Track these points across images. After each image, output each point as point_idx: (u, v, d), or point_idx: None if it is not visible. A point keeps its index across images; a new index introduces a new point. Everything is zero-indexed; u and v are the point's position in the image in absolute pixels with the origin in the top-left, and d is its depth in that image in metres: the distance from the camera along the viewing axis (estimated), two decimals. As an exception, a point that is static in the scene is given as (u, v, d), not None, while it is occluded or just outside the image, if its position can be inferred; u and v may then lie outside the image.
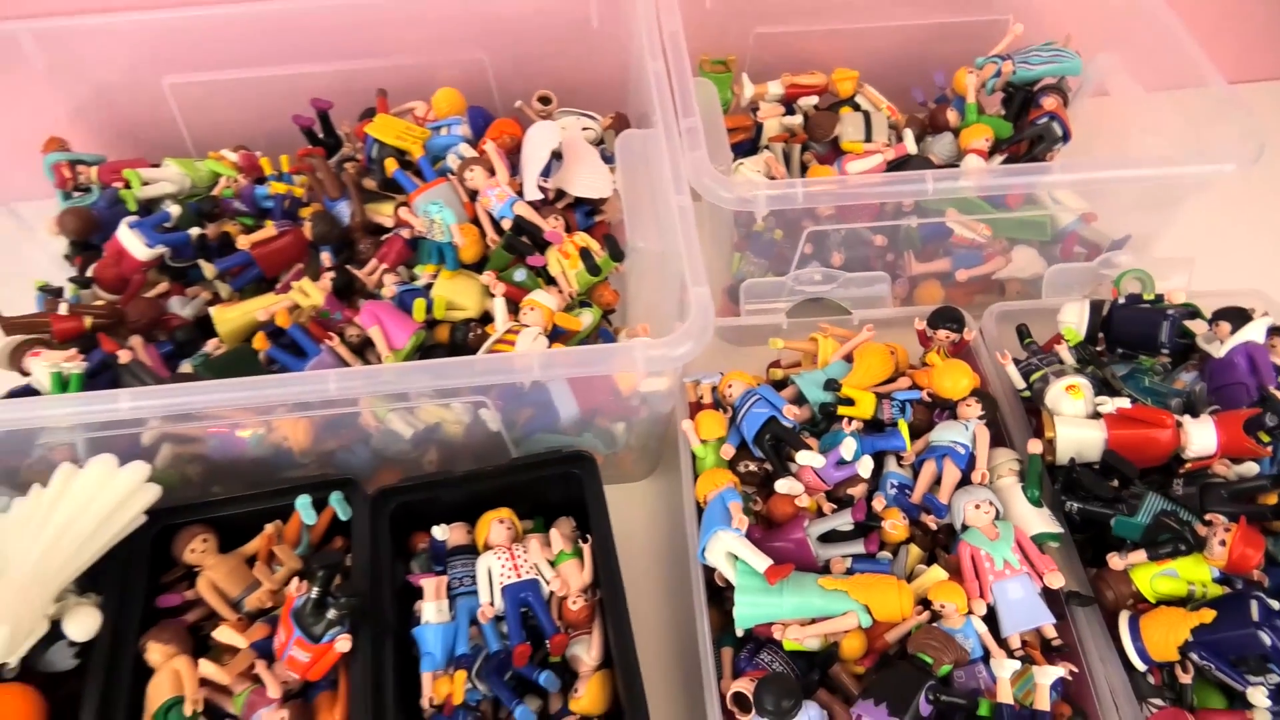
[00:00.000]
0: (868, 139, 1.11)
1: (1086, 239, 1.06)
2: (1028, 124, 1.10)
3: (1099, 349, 0.94)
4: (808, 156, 1.13)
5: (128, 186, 1.07)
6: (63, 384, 0.87)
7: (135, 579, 0.80)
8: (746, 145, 1.15)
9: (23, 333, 0.92)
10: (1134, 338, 0.92)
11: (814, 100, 1.15)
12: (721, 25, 1.13)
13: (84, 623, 0.75)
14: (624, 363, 0.76)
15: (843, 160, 1.10)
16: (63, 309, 0.93)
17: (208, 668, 0.75)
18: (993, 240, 1.06)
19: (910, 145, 1.10)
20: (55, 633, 0.75)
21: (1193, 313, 0.91)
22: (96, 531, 0.76)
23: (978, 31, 1.17)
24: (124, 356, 0.90)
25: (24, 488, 0.84)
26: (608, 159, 1.08)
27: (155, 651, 0.76)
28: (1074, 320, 0.93)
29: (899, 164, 1.09)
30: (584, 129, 1.10)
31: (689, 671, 0.86)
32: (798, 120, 1.13)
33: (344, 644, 0.74)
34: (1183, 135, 0.98)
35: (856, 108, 1.15)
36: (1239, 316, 0.89)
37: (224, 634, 0.76)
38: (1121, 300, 0.93)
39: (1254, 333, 0.86)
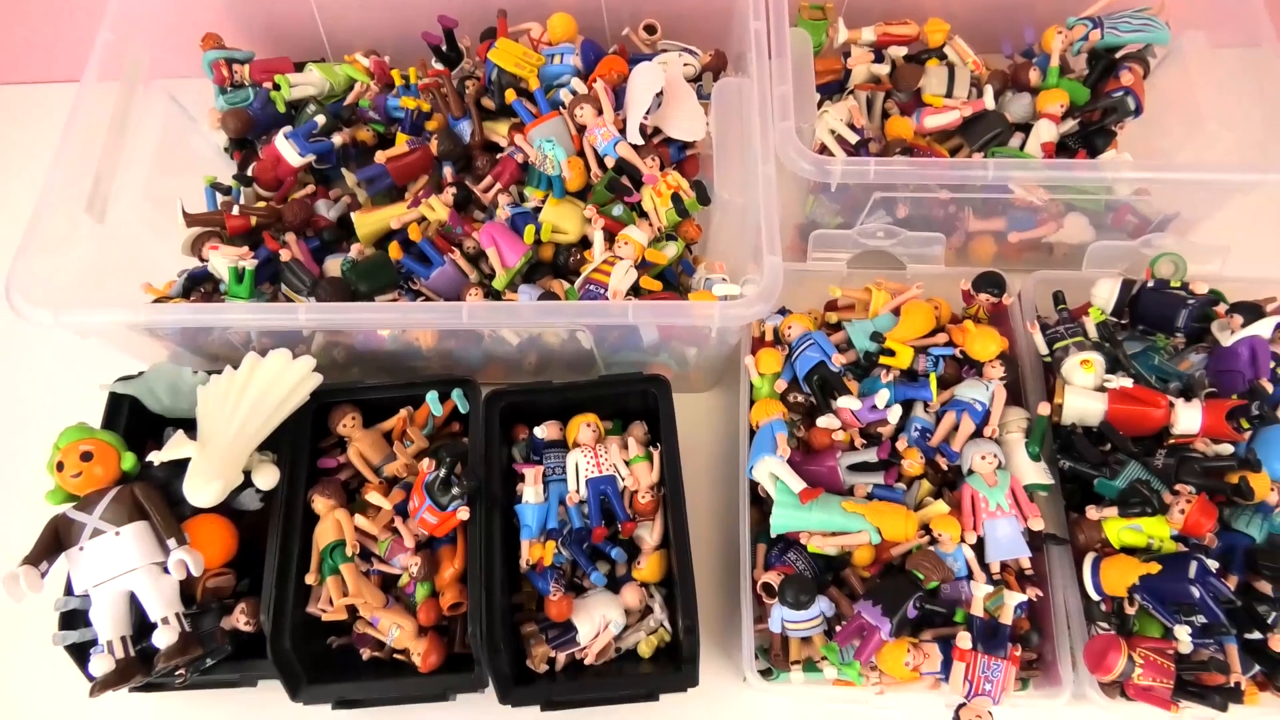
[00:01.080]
0: (949, 93, 1.18)
1: (1138, 210, 1.14)
2: (1104, 94, 1.15)
3: (1122, 321, 1.05)
4: (889, 105, 1.21)
5: (277, 88, 1.21)
6: (239, 276, 1.06)
7: (301, 444, 1.01)
8: (834, 86, 1.23)
9: (201, 226, 1.10)
10: (1155, 319, 1.03)
11: (903, 50, 1.21)
12: (823, -31, 1.18)
13: (268, 476, 0.97)
14: (705, 320, 0.91)
15: (922, 112, 1.18)
16: (235, 210, 1.10)
17: (361, 520, 0.97)
18: (1049, 203, 1.15)
19: (989, 101, 1.17)
20: (244, 483, 0.98)
21: (1214, 300, 1.02)
22: (276, 409, 0.97)
23: (1074, -12, 1.20)
24: (284, 255, 1.08)
25: (205, 353, 1.06)
26: (703, 96, 1.18)
27: (319, 503, 0.99)
28: (1105, 295, 1.04)
29: (975, 118, 1.17)
30: (684, 65, 1.19)
31: (729, 558, 1.06)
32: (885, 69, 1.20)
33: (464, 514, 0.95)
34: (1252, 133, 1.04)
35: (943, 58, 1.22)
36: (1254, 312, 0.99)
37: (372, 497, 0.98)
38: (1151, 283, 1.03)
39: (1262, 328, 0.97)
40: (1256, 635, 0.89)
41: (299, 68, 1.24)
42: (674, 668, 0.96)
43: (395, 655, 0.98)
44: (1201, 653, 0.89)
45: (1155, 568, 0.88)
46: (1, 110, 1.43)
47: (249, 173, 1.16)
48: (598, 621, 0.96)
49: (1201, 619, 0.87)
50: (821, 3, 1.21)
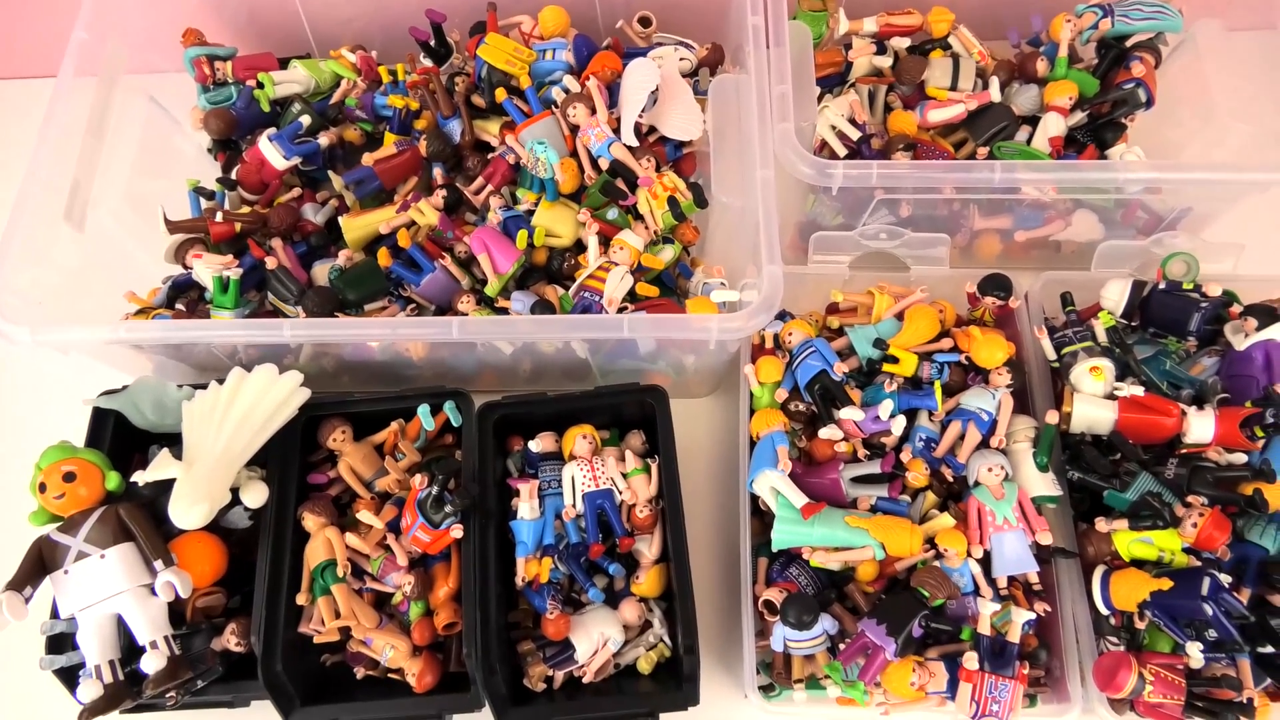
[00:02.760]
0: (953, 86, 1.14)
1: (1149, 207, 1.11)
2: (1114, 85, 1.12)
3: (1132, 324, 1.02)
4: (892, 98, 1.18)
5: (260, 86, 1.17)
6: (224, 286, 1.03)
7: (290, 459, 0.99)
8: (835, 79, 1.19)
9: (184, 233, 1.07)
10: (1166, 322, 1.00)
11: (906, 41, 1.17)
12: (823, -43, 1.14)
13: (256, 493, 0.95)
14: (703, 332, 0.88)
15: (925, 105, 1.14)
16: (219, 216, 1.07)
17: (352, 539, 0.95)
18: (1057, 200, 1.11)
19: (995, 93, 1.14)
20: (232, 500, 0.96)
21: (1228, 301, 0.99)
22: (264, 425, 0.94)
23: (1083, -25, 1.15)
24: (270, 263, 1.05)
25: (191, 364, 1.03)
26: (700, 93, 1.14)
27: (310, 520, 0.97)
28: (1115, 298, 1.01)
29: (981, 111, 1.14)
30: (680, 59, 1.15)
31: (730, 572, 1.04)
32: (887, 61, 1.16)
33: (457, 531, 0.93)
34: (1267, 125, 1.00)
35: (948, 49, 1.18)
36: (1268, 315, 0.96)
37: (364, 515, 0.96)
38: (1162, 285, 1.00)
39: (1277, 332, 0.94)
40: (1269, 649, 0.87)
41: (283, 64, 1.21)
42: (674, 685, 0.94)
43: (390, 674, 0.97)
44: (1213, 668, 0.87)
45: (1167, 584, 0.85)
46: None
47: (233, 176, 1.12)
48: (596, 639, 0.94)
49: (1213, 635, 0.85)
50: (821, -7, 1.17)
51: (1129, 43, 1.14)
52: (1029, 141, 1.13)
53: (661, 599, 1.00)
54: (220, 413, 0.93)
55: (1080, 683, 0.89)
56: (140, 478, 0.91)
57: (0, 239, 0.93)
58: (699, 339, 0.91)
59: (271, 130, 1.11)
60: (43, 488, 0.90)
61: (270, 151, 1.09)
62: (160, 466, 0.91)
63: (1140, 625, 0.89)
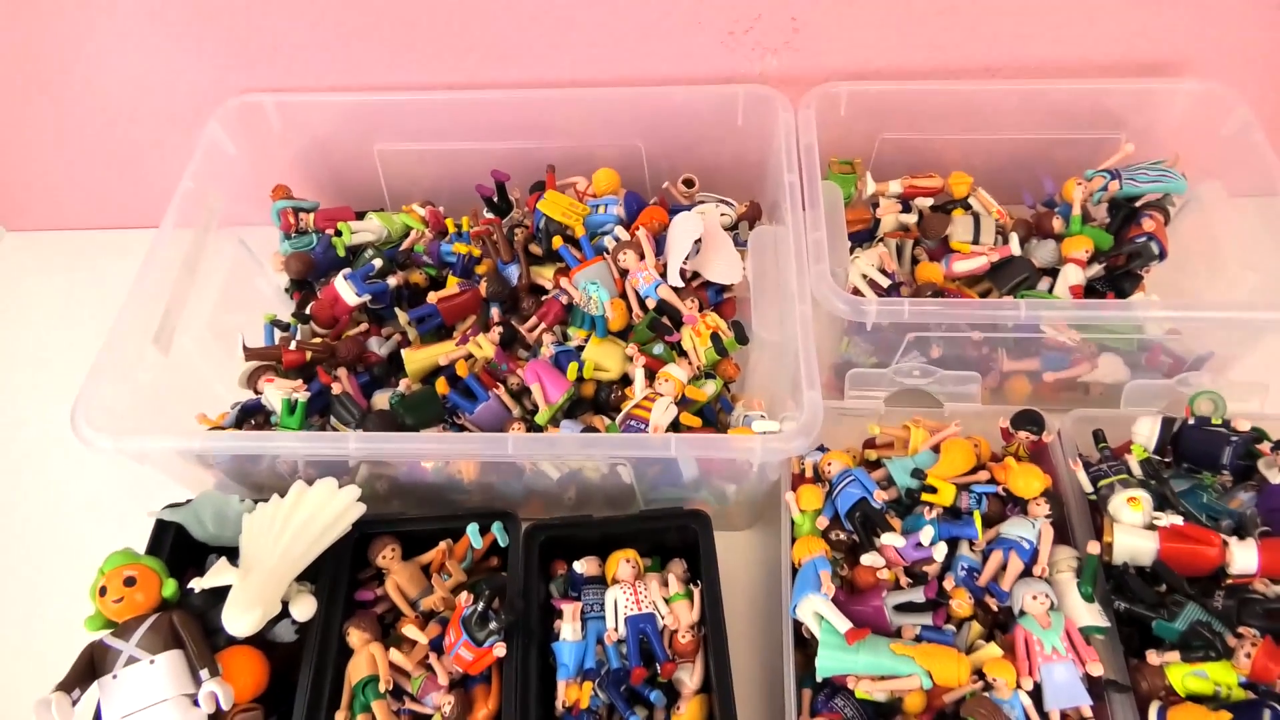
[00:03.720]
0: (975, 240, 1.23)
1: (1171, 350, 1.16)
2: (1128, 239, 1.20)
3: (1166, 460, 1.04)
4: (918, 252, 1.26)
5: (339, 234, 1.29)
6: (290, 408, 1.09)
7: (340, 575, 1.01)
8: (864, 234, 1.29)
9: (259, 360, 1.15)
10: (1199, 456, 1.02)
11: (929, 201, 1.27)
12: (851, 129, 1.26)
13: (305, 606, 0.97)
14: (748, 453, 0.92)
15: (950, 258, 1.23)
16: (291, 345, 1.15)
17: (396, 656, 0.96)
18: (1082, 345, 1.17)
19: (1015, 247, 1.22)
20: (281, 613, 0.98)
21: (1258, 437, 1.01)
22: (320, 536, 0.97)
23: (1091, 146, 1.26)
24: (335, 389, 1.12)
25: (252, 484, 1.08)
26: (739, 243, 1.23)
27: (355, 636, 0.98)
28: (1145, 433, 1.04)
29: (1003, 264, 1.22)
30: (721, 214, 1.26)
31: (774, 704, 1.02)
32: (912, 218, 1.26)
33: (500, 650, 0.93)
34: (1276, 273, 1.07)
35: (968, 208, 1.27)
36: (1300, 449, 0.98)
37: (409, 630, 0.96)
38: (1192, 421, 1.03)
39: (1309, 464, 0.96)
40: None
41: (359, 216, 1.33)
42: (716, 822, 0.90)
43: (424, 803, 0.94)
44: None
45: (1227, 717, 0.83)
46: (87, 251, 1.53)
47: (307, 311, 1.22)
48: (635, 769, 0.92)
49: (1281, 777, 0.81)
50: (850, 159, 1.28)
51: (1139, 203, 1.23)
52: (1050, 291, 1.20)
53: (702, 733, 0.98)
54: (280, 522, 0.96)
55: (1145, 828, 0.85)
56: (198, 584, 0.94)
57: (96, 357, 1.01)
58: (741, 460, 0.94)
59: (346, 270, 1.21)
60: (103, 591, 0.93)
61: (344, 288, 1.18)
62: (217, 573, 0.94)
63: (1203, 767, 0.86)
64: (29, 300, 1.50)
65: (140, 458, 0.99)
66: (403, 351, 1.17)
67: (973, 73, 1.26)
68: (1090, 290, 1.20)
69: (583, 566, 1.02)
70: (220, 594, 0.93)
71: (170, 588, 0.95)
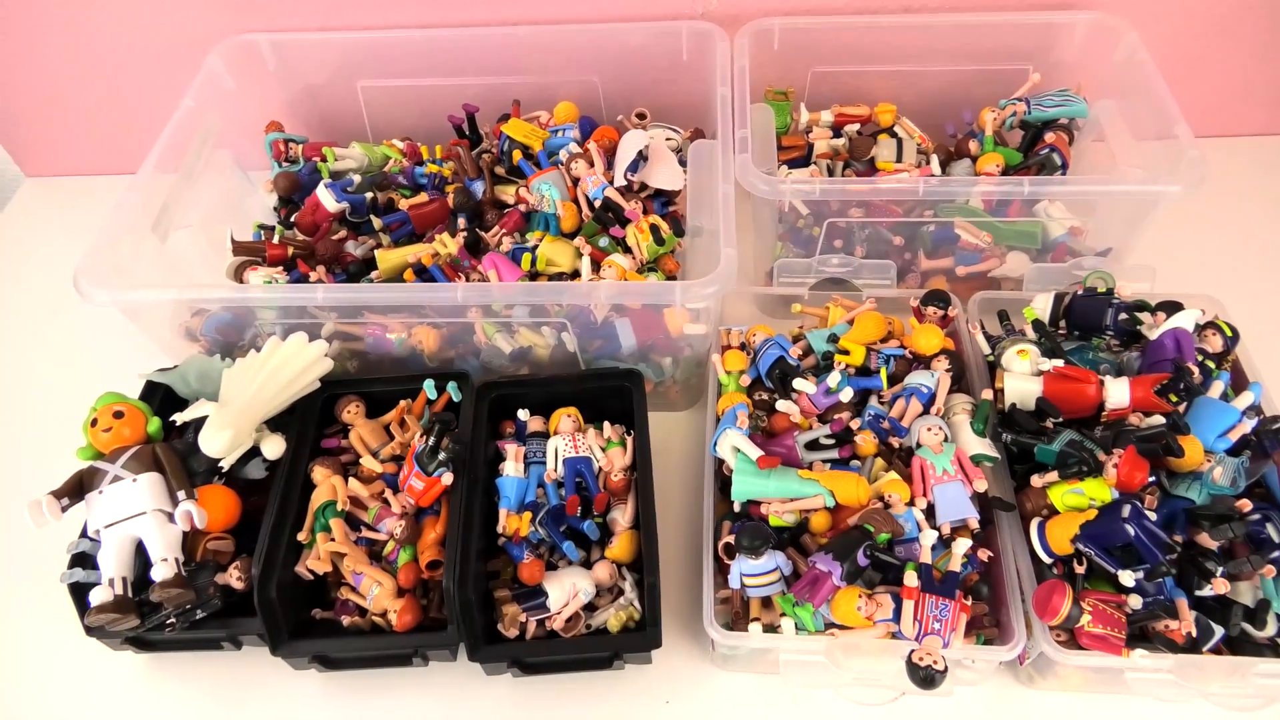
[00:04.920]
0: (898, 160, 1.35)
1: (1074, 249, 1.27)
2: (1033, 155, 1.32)
3: (1059, 331, 1.15)
4: (847, 173, 1.38)
5: (325, 160, 1.42)
6: (271, 291, 1.21)
7: (308, 424, 1.12)
8: (799, 161, 1.41)
9: (246, 254, 1.27)
10: (1086, 322, 1.12)
11: (857, 127, 1.40)
12: (786, 63, 1.40)
13: (275, 446, 1.07)
14: (669, 296, 1.03)
15: (875, 177, 1.35)
16: (274, 240, 1.28)
17: (355, 485, 1.06)
18: (993, 246, 1.28)
19: (935, 168, 1.34)
20: (252, 453, 1.08)
21: (1140, 305, 1.11)
22: (289, 383, 1.09)
23: (1004, 78, 1.39)
24: (313, 277, 1.24)
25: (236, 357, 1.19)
26: (684, 163, 1.36)
27: (318, 472, 1.08)
28: (1040, 307, 1.14)
29: (924, 181, 1.34)
30: (668, 139, 1.39)
31: (695, 539, 1.11)
32: (842, 142, 1.39)
33: (448, 479, 1.03)
34: (1158, 169, 1.18)
35: (894, 135, 1.40)
36: (1174, 307, 1.08)
37: (366, 461, 1.07)
38: (1081, 293, 1.14)
39: (1183, 320, 1.06)
40: (1209, 592, 0.91)
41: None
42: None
43: (374, 623, 1.03)
44: (1156, 621, 0.91)
45: (1092, 514, 0.92)
46: (102, 196, 1.66)
47: (291, 220, 1.34)
48: (568, 589, 1.01)
49: (1144, 567, 0.90)
50: (784, 88, 1.42)
51: (1047, 126, 1.35)
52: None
53: (634, 570, 1.07)
54: (255, 367, 1.08)
55: (1025, 623, 0.93)
56: (179, 417, 1.05)
57: (97, 231, 1.13)
58: (661, 302, 1.05)
59: (328, 180, 1.34)
60: (94, 423, 1.04)
61: (325, 196, 1.31)
62: (197, 408, 1.06)
63: (1079, 570, 0.94)
64: (48, 242, 1.63)
65: (133, 312, 1.11)
66: (376, 251, 1.30)
67: (893, 11, 1.39)
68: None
69: (526, 416, 1.13)
70: (199, 438, 1.04)
71: (155, 425, 1.06)
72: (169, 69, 1.47)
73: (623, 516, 1.07)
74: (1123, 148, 1.25)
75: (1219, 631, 0.92)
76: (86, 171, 1.69)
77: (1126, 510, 0.90)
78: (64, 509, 0.98)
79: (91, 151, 1.65)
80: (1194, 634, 0.89)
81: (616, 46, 1.41)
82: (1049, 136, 1.31)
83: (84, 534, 1.03)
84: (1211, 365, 1.05)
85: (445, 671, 1.04)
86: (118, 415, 1.04)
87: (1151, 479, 0.95)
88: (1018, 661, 0.97)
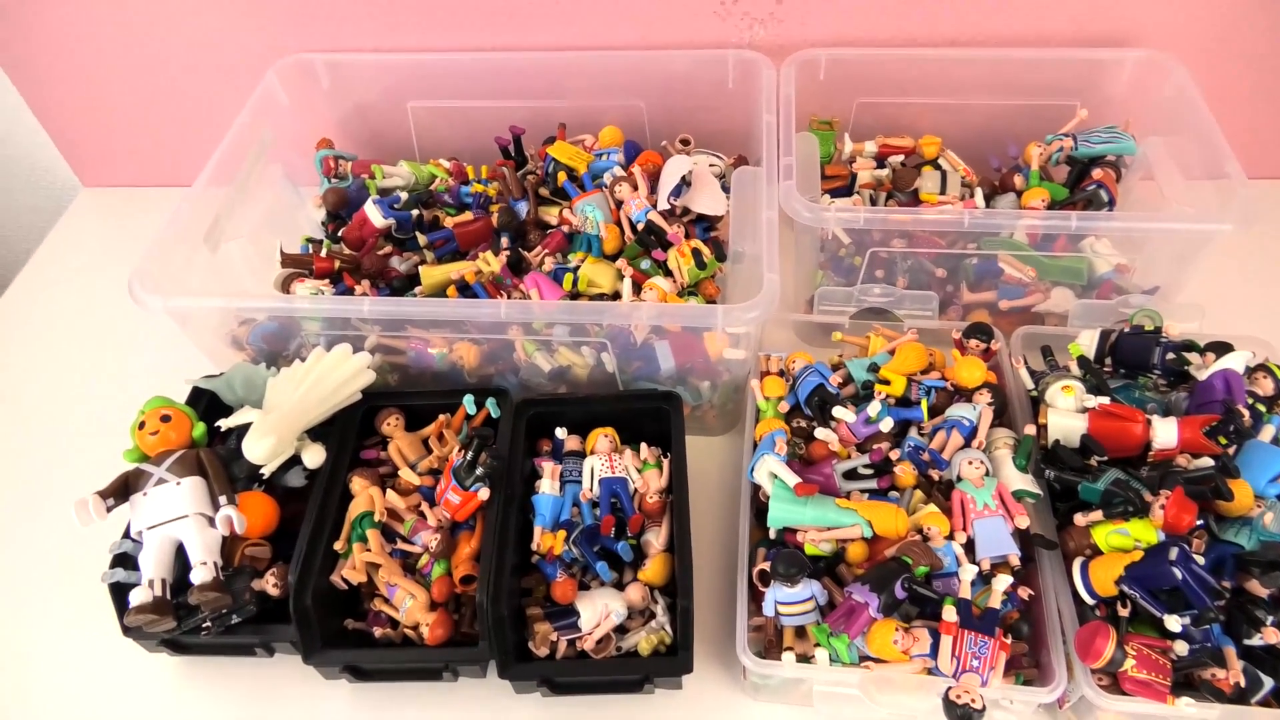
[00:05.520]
0: (942, 192, 1.35)
1: (1120, 286, 1.25)
2: (1080, 190, 1.31)
3: (1105, 368, 1.13)
4: (890, 204, 1.38)
5: (372, 177, 1.45)
6: (317, 303, 1.23)
7: (349, 436, 1.13)
8: (842, 190, 1.41)
9: (294, 266, 1.30)
10: (1133, 360, 1.10)
11: (901, 158, 1.40)
12: (831, 93, 1.41)
13: (315, 455, 1.09)
14: (710, 319, 1.03)
15: (919, 208, 1.35)
16: (322, 253, 1.30)
17: (392, 497, 1.07)
18: (1037, 280, 1.27)
19: (979, 201, 1.34)
20: (293, 461, 1.10)
21: (1188, 345, 1.09)
22: (332, 393, 1.10)
23: (1050, 113, 1.39)
24: (358, 291, 1.26)
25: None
26: (726, 189, 1.37)
27: (356, 483, 1.09)
28: (1085, 343, 1.13)
29: (969, 214, 1.33)
30: (711, 165, 1.40)
31: (730, 564, 1.10)
32: (886, 173, 1.39)
33: (484, 493, 1.03)
34: (1208, 205, 1.17)
35: (938, 168, 1.40)
36: (1224, 348, 1.07)
37: (404, 473, 1.08)
38: (1128, 330, 1.12)
39: (1233, 362, 1.04)
40: (1258, 641, 0.89)
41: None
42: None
43: (406, 636, 1.03)
44: (1202, 669, 0.89)
45: (1138, 555, 0.90)
46: (159, 207, 1.71)
47: (339, 235, 1.37)
48: (600, 609, 1.01)
49: (1191, 613, 0.88)
50: (828, 118, 1.43)
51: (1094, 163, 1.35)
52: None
53: (667, 594, 1.06)
54: (299, 376, 1.09)
55: (1065, 665, 0.91)
56: (224, 424, 1.07)
57: (150, 241, 1.16)
58: (702, 325, 1.06)
59: (375, 196, 1.36)
60: (141, 425, 1.06)
61: (372, 211, 1.34)
62: (241, 414, 1.07)
63: (1123, 612, 0.92)
64: (104, 250, 1.67)
65: (184, 319, 1.13)
66: (420, 268, 1.32)
67: (939, 44, 1.40)
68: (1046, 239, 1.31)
69: (564, 434, 1.13)
70: (243, 446, 1.05)
71: (200, 430, 1.08)
72: (227, 85, 1.51)
73: (657, 539, 1.07)
74: (1172, 186, 1.24)
75: (1269, 683, 0.89)
76: (142, 183, 1.73)
77: (1174, 553, 0.88)
78: (109, 509, 0.99)
79: (148, 163, 1.70)
80: (1242, 684, 0.87)
81: (662, 73, 1.43)
82: (1096, 173, 1.30)
83: (126, 535, 1.04)
84: (1262, 409, 1.03)
85: (474, 688, 1.04)
86: (165, 419, 1.06)
87: (1199, 522, 0.93)
88: (1057, 704, 0.95)
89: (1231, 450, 0.98)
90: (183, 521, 0.99)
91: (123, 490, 1.02)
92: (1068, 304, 1.26)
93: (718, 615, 1.09)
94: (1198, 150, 1.21)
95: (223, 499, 1.02)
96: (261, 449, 1.02)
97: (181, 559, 1.00)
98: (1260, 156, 1.48)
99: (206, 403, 1.16)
